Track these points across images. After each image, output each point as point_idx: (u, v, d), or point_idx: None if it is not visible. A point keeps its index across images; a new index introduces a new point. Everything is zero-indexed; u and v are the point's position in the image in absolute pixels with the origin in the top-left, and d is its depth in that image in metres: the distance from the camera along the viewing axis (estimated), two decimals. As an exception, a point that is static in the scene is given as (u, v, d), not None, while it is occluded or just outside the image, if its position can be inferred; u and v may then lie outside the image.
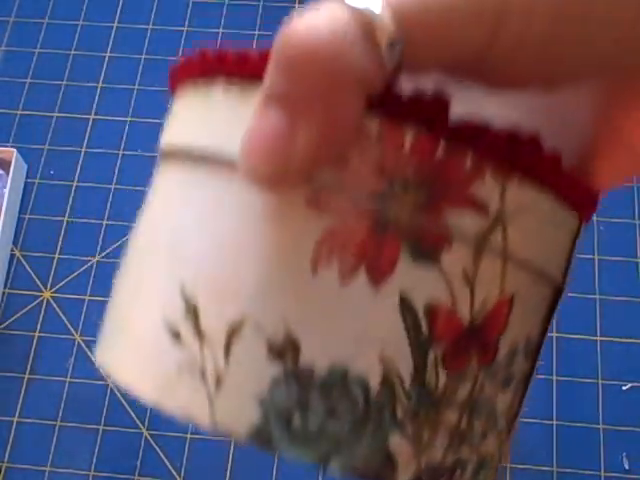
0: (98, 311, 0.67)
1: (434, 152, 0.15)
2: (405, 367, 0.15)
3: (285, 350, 0.15)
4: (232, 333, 0.15)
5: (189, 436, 0.63)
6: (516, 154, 0.16)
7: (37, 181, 0.72)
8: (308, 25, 0.14)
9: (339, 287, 0.15)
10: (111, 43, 0.78)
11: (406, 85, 0.16)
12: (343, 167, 0.15)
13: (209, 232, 0.16)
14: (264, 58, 0.15)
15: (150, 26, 0.79)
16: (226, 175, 0.16)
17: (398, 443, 0.15)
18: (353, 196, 0.15)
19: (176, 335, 0.16)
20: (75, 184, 0.72)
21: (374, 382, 0.15)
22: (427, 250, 0.15)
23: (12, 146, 0.72)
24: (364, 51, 0.14)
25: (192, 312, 0.16)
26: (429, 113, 0.15)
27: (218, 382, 0.15)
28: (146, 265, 0.17)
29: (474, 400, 0.16)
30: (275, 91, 0.14)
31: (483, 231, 0.16)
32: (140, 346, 0.17)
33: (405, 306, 0.15)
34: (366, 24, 0.14)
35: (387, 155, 0.15)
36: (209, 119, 0.17)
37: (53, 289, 0.68)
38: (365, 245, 0.15)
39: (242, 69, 0.16)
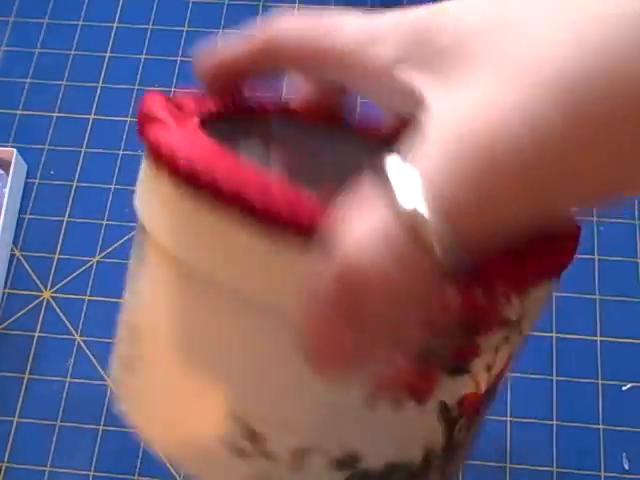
0: (98, 311, 0.67)
1: (476, 304, 0.16)
2: (438, 444, 0.18)
3: (347, 462, 0.17)
4: (297, 455, 0.17)
5: (189, 436, 0.62)
6: (531, 273, 0.17)
7: (37, 181, 0.72)
8: (360, 245, 0.14)
9: (392, 413, 0.17)
10: (111, 43, 0.78)
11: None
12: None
13: (265, 368, 0.17)
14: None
15: (150, 26, 0.79)
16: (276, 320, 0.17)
17: None
18: (403, 348, 0.17)
19: (239, 452, 0.17)
20: (75, 184, 0.72)
21: (417, 462, 0.18)
22: (461, 365, 0.17)
23: (12, 146, 0.72)
24: (421, 269, 0.14)
25: (253, 435, 0.17)
26: (481, 279, 0.16)
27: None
28: (186, 380, 0.18)
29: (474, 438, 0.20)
30: (336, 304, 0.15)
31: (506, 335, 0.18)
32: (193, 445, 0.18)
33: (442, 408, 0.17)
34: (420, 237, 0.14)
35: (435, 313, 0.16)
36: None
37: (53, 289, 0.68)
38: (412, 381, 0.17)
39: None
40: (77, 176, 0.72)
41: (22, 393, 0.65)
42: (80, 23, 0.79)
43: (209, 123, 0.19)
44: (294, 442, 0.17)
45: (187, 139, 0.17)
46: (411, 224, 0.14)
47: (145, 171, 0.19)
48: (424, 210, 0.14)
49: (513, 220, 0.15)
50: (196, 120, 0.18)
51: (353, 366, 0.15)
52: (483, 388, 0.18)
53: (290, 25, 0.18)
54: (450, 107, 0.14)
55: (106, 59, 0.78)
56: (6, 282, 0.68)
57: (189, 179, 0.16)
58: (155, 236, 0.19)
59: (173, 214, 0.17)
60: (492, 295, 0.16)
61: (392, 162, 0.14)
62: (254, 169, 0.16)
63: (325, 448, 0.17)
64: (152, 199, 0.19)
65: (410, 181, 0.14)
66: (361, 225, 0.14)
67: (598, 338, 0.64)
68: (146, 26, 0.79)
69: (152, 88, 0.76)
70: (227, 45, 0.20)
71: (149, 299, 0.19)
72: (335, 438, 0.17)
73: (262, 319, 0.16)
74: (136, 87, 0.76)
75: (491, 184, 0.14)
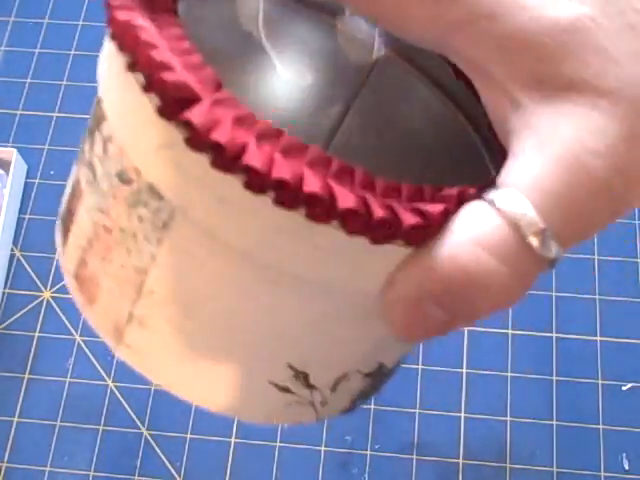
0: (98, 311, 0.67)
1: None
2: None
3: (376, 371, 0.20)
4: (338, 380, 0.19)
5: (189, 436, 0.63)
6: None
7: (37, 181, 0.72)
8: (474, 253, 0.14)
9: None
10: (111, 43, 0.78)
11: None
12: None
13: (317, 330, 0.18)
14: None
15: (150, 26, 0.79)
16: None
17: None
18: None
19: (285, 389, 0.19)
20: (75, 184, 0.72)
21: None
22: None
23: (12, 146, 0.72)
24: (531, 273, 0.15)
25: (301, 377, 0.19)
26: None
27: (323, 403, 0.20)
28: (238, 341, 0.18)
29: None
30: (440, 300, 0.15)
31: None
32: (239, 389, 0.19)
33: None
34: (533, 246, 0.15)
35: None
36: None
37: (53, 289, 0.68)
38: None
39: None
40: (77, 176, 0.72)
41: (22, 393, 0.65)
42: (80, 23, 0.80)
43: None
44: (340, 371, 0.19)
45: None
46: (525, 232, 0.14)
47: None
48: (537, 219, 0.14)
49: (601, 228, 0.16)
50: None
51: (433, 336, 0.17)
52: None
53: None
54: (555, 125, 0.15)
55: (106, 59, 0.78)
56: (6, 282, 0.69)
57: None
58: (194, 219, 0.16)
59: (218, 200, 0.15)
60: None
61: (499, 184, 0.15)
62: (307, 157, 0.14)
63: (363, 369, 0.19)
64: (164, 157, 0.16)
65: (519, 194, 0.15)
66: (471, 230, 0.15)
67: (598, 338, 0.64)
68: (146, 26, 0.79)
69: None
70: None
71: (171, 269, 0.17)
72: (374, 358, 0.19)
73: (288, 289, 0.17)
74: (136, 87, 0.76)
75: (591, 205, 0.15)
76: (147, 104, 0.15)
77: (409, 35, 0.16)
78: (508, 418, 0.62)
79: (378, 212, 0.14)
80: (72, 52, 0.78)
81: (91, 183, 0.18)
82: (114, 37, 0.15)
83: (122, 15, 0.15)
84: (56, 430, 0.63)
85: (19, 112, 0.75)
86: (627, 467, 0.60)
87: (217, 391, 0.19)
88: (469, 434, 0.61)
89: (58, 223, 0.20)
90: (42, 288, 0.68)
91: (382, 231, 0.14)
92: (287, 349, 0.18)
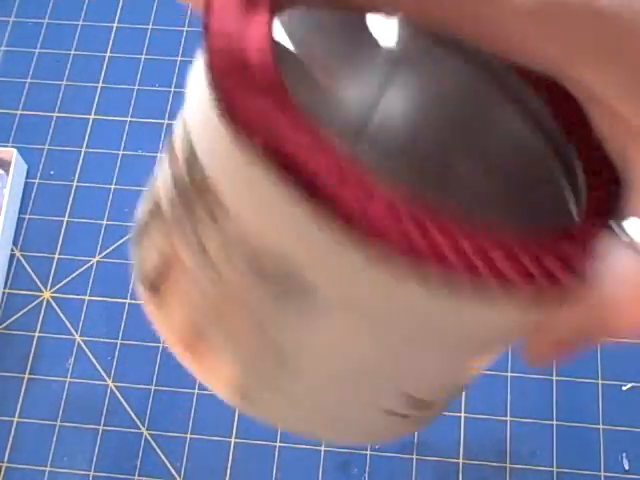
0: (98, 311, 0.67)
1: None
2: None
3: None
4: (439, 393, 0.20)
5: (189, 436, 0.63)
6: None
7: (37, 181, 0.73)
8: (618, 293, 0.15)
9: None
10: (111, 43, 0.78)
11: None
12: None
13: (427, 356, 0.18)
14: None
15: (150, 26, 0.79)
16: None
17: None
18: None
19: (393, 413, 0.19)
20: (75, 184, 0.72)
21: None
22: None
23: (12, 146, 0.72)
24: None
25: (413, 401, 0.19)
26: None
27: (422, 417, 0.20)
28: (354, 381, 0.19)
29: None
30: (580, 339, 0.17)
31: None
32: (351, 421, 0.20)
33: None
34: None
35: None
36: None
37: (53, 289, 0.68)
38: None
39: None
40: (77, 176, 0.72)
41: (22, 393, 0.65)
42: (80, 23, 0.80)
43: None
44: (438, 387, 0.19)
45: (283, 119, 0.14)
46: None
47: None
48: None
49: None
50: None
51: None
52: None
53: None
54: None
55: (106, 59, 0.78)
56: (6, 282, 0.69)
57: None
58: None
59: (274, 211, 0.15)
60: None
61: (631, 222, 0.15)
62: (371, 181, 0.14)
63: (459, 382, 0.20)
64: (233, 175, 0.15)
65: None
66: (613, 272, 0.15)
67: (598, 338, 0.64)
68: (146, 26, 0.79)
69: (152, 88, 0.76)
70: None
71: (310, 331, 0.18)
72: (468, 373, 0.19)
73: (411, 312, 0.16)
74: (136, 87, 0.76)
75: None
76: (285, 195, 0.14)
77: (524, 59, 0.15)
78: (508, 418, 0.62)
79: (553, 278, 0.14)
80: (72, 52, 0.78)
81: (199, 259, 0.17)
82: (239, 123, 0.14)
83: (253, 101, 0.14)
84: (56, 430, 0.63)
85: (19, 112, 0.75)
86: (627, 467, 0.60)
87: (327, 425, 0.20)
88: (469, 434, 0.61)
89: (143, 281, 0.19)
90: (42, 288, 0.68)
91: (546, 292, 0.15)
92: (402, 380, 0.19)
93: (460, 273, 0.14)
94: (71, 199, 0.72)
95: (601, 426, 0.61)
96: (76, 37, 0.79)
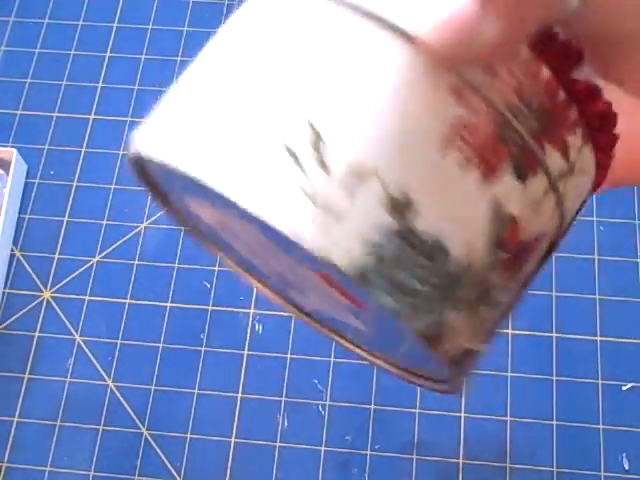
0: (98, 311, 0.67)
1: (556, 96, 0.18)
2: (481, 239, 0.18)
3: (403, 210, 0.17)
4: (358, 178, 0.17)
5: (189, 436, 0.63)
6: (599, 129, 0.19)
7: (37, 181, 0.73)
8: None
9: (458, 171, 0.17)
10: (111, 43, 0.78)
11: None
12: (492, 75, 0.18)
13: (352, 76, 0.17)
14: None
15: (150, 26, 0.79)
16: (388, 38, 0.18)
17: (454, 319, 0.18)
18: (491, 101, 0.18)
19: (295, 157, 0.17)
20: (75, 184, 0.72)
21: (458, 251, 0.18)
22: (524, 169, 0.18)
23: (12, 146, 0.72)
24: None
25: (317, 143, 0.17)
26: (563, 62, 0.18)
27: (339, 218, 0.17)
28: (264, 86, 0.18)
29: (512, 291, 0.20)
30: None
31: (558, 174, 0.19)
32: (247, 152, 0.17)
33: (495, 204, 0.18)
34: None
35: (526, 79, 0.18)
36: None
37: (53, 289, 0.68)
38: (486, 145, 0.18)
39: None
40: (77, 176, 0.72)
41: (22, 393, 0.65)
42: (80, 23, 0.80)
43: None
44: (359, 157, 0.17)
45: None
46: None
47: None
48: None
49: None
50: None
51: (470, 45, 0.17)
52: (528, 230, 0.19)
53: None
54: None
55: (106, 59, 0.78)
56: (6, 282, 0.69)
57: None
58: None
59: None
60: (568, 105, 0.19)
61: None
62: None
63: (387, 179, 0.17)
64: None
65: None
66: None
67: (598, 338, 0.64)
68: (146, 26, 0.79)
69: (152, 88, 0.76)
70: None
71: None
72: (400, 172, 0.17)
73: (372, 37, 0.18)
74: (136, 87, 0.76)
75: None
76: None
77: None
78: (508, 418, 0.62)
79: None
80: (72, 52, 0.78)
81: None
82: None
83: None
84: (56, 430, 0.63)
85: (19, 112, 0.75)
86: (627, 467, 0.60)
87: None
88: (469, 434, 0.61)
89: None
90: (42, 288, 0.68)
91: None
92: (316, 95, 0.18)
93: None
94: (71, 199, 0.72)
95: (601, 426, 0.61)
96: (76, 37, 0.79)
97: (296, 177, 0.17)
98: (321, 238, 0.16)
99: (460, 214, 0.18)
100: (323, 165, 0.17)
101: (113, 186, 0.71)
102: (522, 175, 0.18)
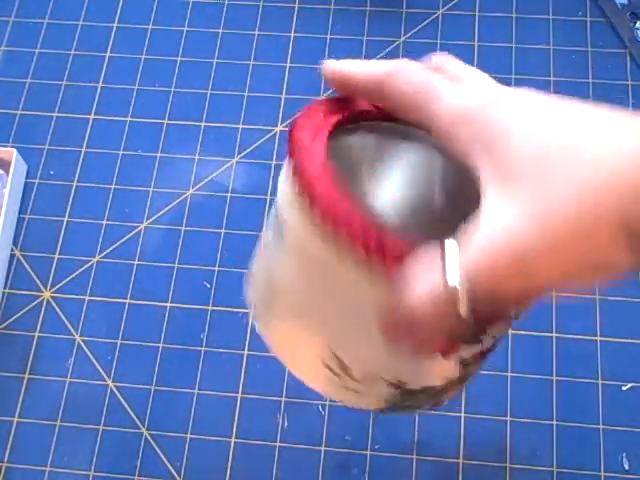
0: (98, 311, 0.67)
1: (492, 322, 0.25)
2: (455, 376, 0.28)
3: (397, 385, 0.27)
4: (368, 377, 0.27)
5: (189, 436, 0.63)
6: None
7: (37, 181, 0.73)
8: (421, 297, 0.21)
9: (428, 361, 0.26)
10: (111, 43, 0.78)
11: None
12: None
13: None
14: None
15: (150, 26, 0.79)
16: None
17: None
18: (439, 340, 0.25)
19: (326, 365, 0.27)
20: (75, 184, 0.72)
21: (440, 385, 0.28)
22: (476, 340, 0.25)
23: (12, 146, 0.72)
24: (455, 323, 0.21)
25: (338, 361, 0.27)
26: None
27: (356, 392, 0.28)
28: (303, 322, 0.27)
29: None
30: (399, 322, 0.23)
31: (506, 324, 0.26)
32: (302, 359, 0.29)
33: (461, 359, 0.26)
34: (453, 299, 0.20)
35: (458, 332, 0.24)
36: None
37: (53, 289, 0.68)
38: (444, 349, 0.24)
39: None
40: (77, 176, 0.73)
41: (22, 393, 0.65)
42: (80, 23, 0.80)
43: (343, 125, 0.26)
44: (367, 370, 0.26)
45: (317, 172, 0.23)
46: (452, 295, 0.20)
47: (288, 176, 0.24)
48: (462, 288, 0.20)
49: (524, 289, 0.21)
50: (326, 133, 0.24)
51: (412, 344, 0.23)
52: (488, 346, 0.27)
53: (405, 76, 0.24)
54: (501, 213, 0.20)
55: (106, 59, 0.78)
56: (6, 282, 0.69)
57: (320, 217, 0.22)
58: (290, 228, 0.25)
59: (302, 230, 0.24)
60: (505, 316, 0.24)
61: (450, 244, 0.21)
62: (361, 213, 0.22)
63: (384, 376, 0.26)
64: (291, 205, 0.24)
65: (457, 262, 0.20)
66: (424, 282, 0.21)
67: (598, 338, 0.64)
68: (146, 26, 0.79)
69: (152, 88, 0.76)
70: (357, 63, 0.25)
71: (281, 268, 0.27)
72: (391, 371, 0.26)
73: (353, 297, 0.24)
74: (136, 87, 0.76)
75: (514, 273, 0.20)
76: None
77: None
78: (508, 418, 0.62)
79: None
80: (72, 52, 0.78)
81: None
82: (323, 214, 0.22)
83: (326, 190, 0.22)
84: (56, 430, 0.63)
85: (19, 112, 0.75)
86: (627, 467, 0.60)
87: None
88: (469, 434, 0.61)
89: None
90: (42, 288, 0.68)
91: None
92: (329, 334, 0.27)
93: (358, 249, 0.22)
94: (71, 199, 0.72)
95: (601, 426, 0.61)
96: (76, 37, 0.79)
97: (329, 376, 0.27)
98: (351, 400, 0.29)
99: (434, 372, 0.27)
100: (344, 369, 0.27)
101: (113, 186, 0.71)
102: (475, 342, 0.26)
